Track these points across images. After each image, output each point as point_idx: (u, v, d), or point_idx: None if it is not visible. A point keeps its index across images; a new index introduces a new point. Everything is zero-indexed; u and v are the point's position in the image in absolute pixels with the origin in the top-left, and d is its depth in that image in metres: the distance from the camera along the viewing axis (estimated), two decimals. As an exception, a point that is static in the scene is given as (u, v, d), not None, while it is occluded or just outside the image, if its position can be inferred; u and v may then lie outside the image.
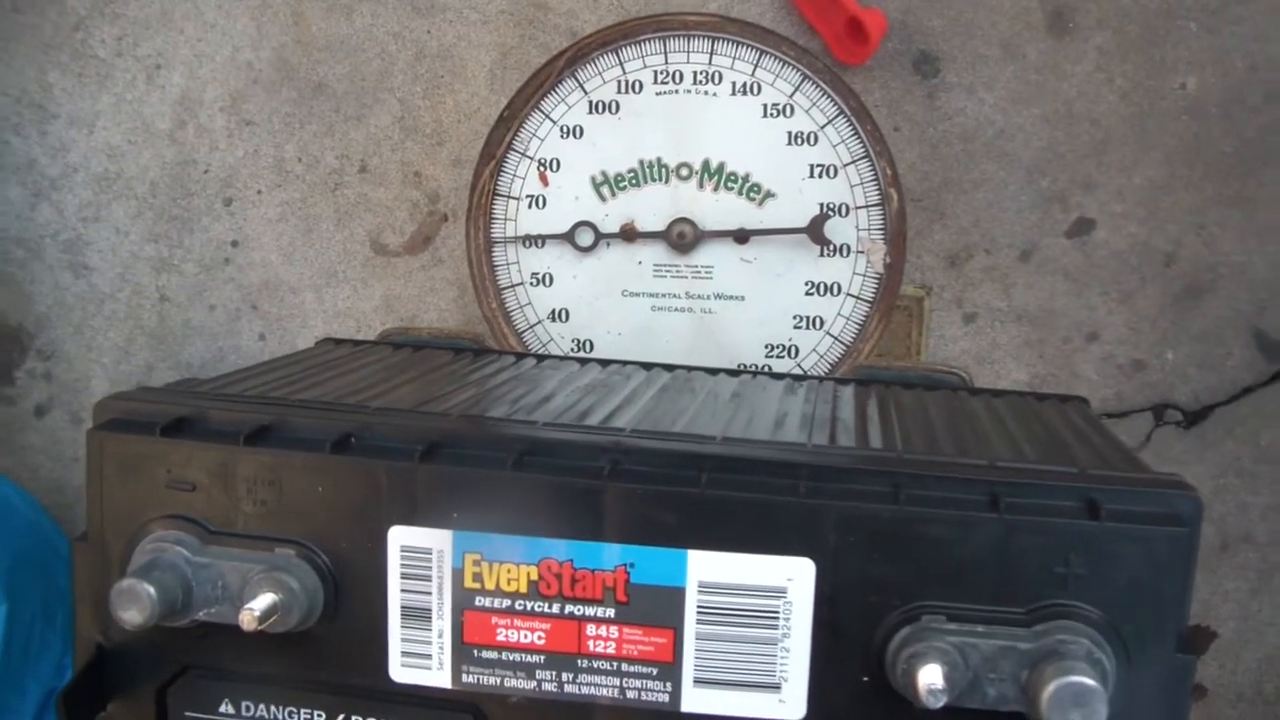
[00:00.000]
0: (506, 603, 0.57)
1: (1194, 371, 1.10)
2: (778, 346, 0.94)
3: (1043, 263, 1.10)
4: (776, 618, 0.55)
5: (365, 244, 1.20)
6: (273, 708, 0.60)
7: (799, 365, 0.94)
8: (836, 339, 0.93)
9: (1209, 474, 1.12)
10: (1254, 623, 1.14)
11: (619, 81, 0.95)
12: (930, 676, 0.51)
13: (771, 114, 0.93)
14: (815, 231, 0.92)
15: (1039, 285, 1.10)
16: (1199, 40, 1.05)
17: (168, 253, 1.23)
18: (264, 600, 0.55)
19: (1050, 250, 1.10)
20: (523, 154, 0.96)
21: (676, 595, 0.55)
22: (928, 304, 1.08)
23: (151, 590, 0.55)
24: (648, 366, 0.81)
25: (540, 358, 0.83)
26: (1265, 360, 1.09)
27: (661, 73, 0.94)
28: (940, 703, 0.51)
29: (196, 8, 1.18)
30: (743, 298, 0.95)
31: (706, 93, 0.94)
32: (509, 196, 0.97)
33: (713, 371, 0.81)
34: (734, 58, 0.93)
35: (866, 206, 0.92)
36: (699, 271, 0.95)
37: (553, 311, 0.97)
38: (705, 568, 0.55)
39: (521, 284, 0.97)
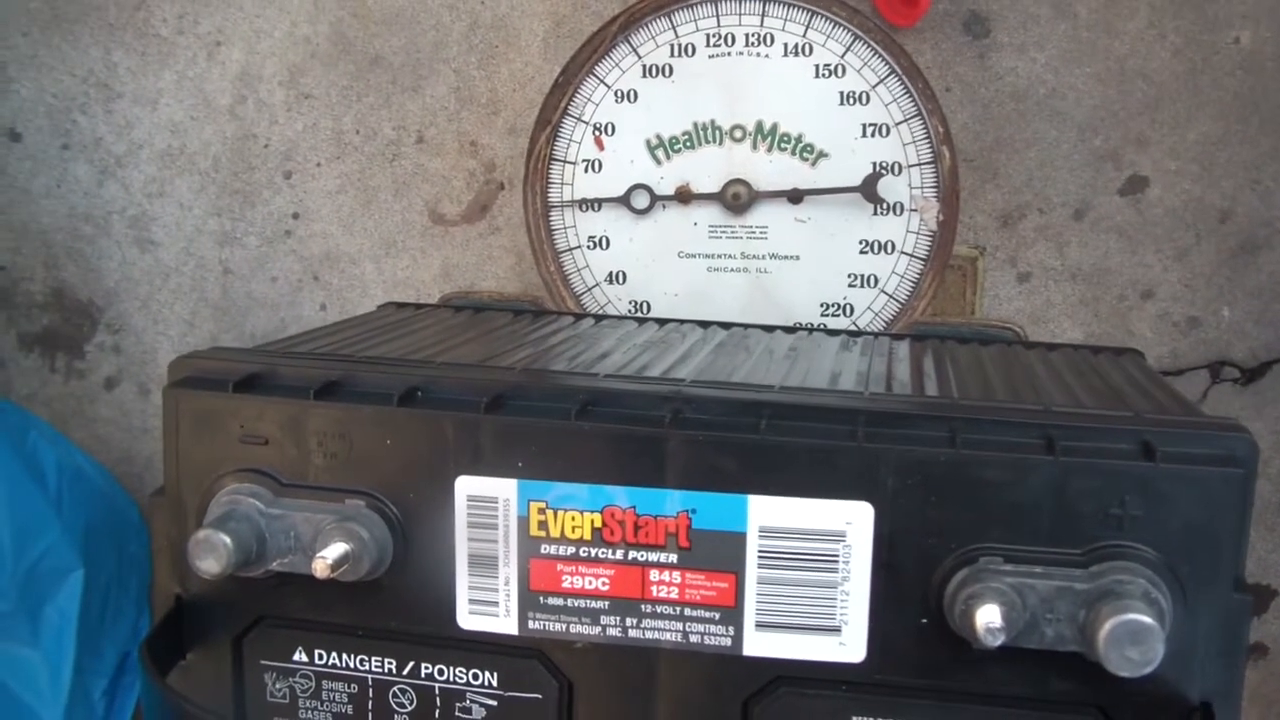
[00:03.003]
0: (571, 550, 0.58)
1: (1251, 328, 1.10)
2: (833, 305, 0.95)
3: (1096, 221, 1.10)
4: (836, 561, 0.56)
5: (423, 214, 1.21)
6: (344, 655, 0.62)
7: (854, 323, 0.95)
8: (891, 297, 0.94)
9: (1267, 430, 1.12)
10: (1314, 578, 1.14)
11: (672, 45, 0.96)
12: (988, 616, 0.52)
13: (823, 74, 0.93)
14: (869, 190, 0.93)
15: (1093, 244, 1.10)
16: (1253, -7, 1.05)
17: (230, 226, 1.25)
18: (336, 549, 0.57)
19: (1104, 208, 1.10)
20: (578, 119, 0.97)
21: (738, 540, 0.57)
22: (981, 264, 1.08)
23: (227, 540, 0.56)
24: (704, 325, 0.82)
25: (598, 318, 0.85)
26: (1323, 316, 1.09)
27: (714, 35, 0.95)
28: (998, 641, 0.52)
29: (254, -16, 1.20)
30: (798, 257, 0.95)
31: (759, 54, 0.94)
32: (565, 161, 0.98)
33: (769, 329, 0.82)
34: (785, 19, 0.93)
35: (919, 164, 0.92)
36: (754, 232, 0.96)
37: (610, 274, 0.98)
38: (766, 513, 0.56)
39: (579, 247, 0.99)
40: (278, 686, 0.63)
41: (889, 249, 0.94)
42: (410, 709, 0.62)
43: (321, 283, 1.24)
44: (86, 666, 1.14)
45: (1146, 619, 0.50)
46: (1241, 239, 1.08)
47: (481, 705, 0.61)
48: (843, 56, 0.93)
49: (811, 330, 0.82)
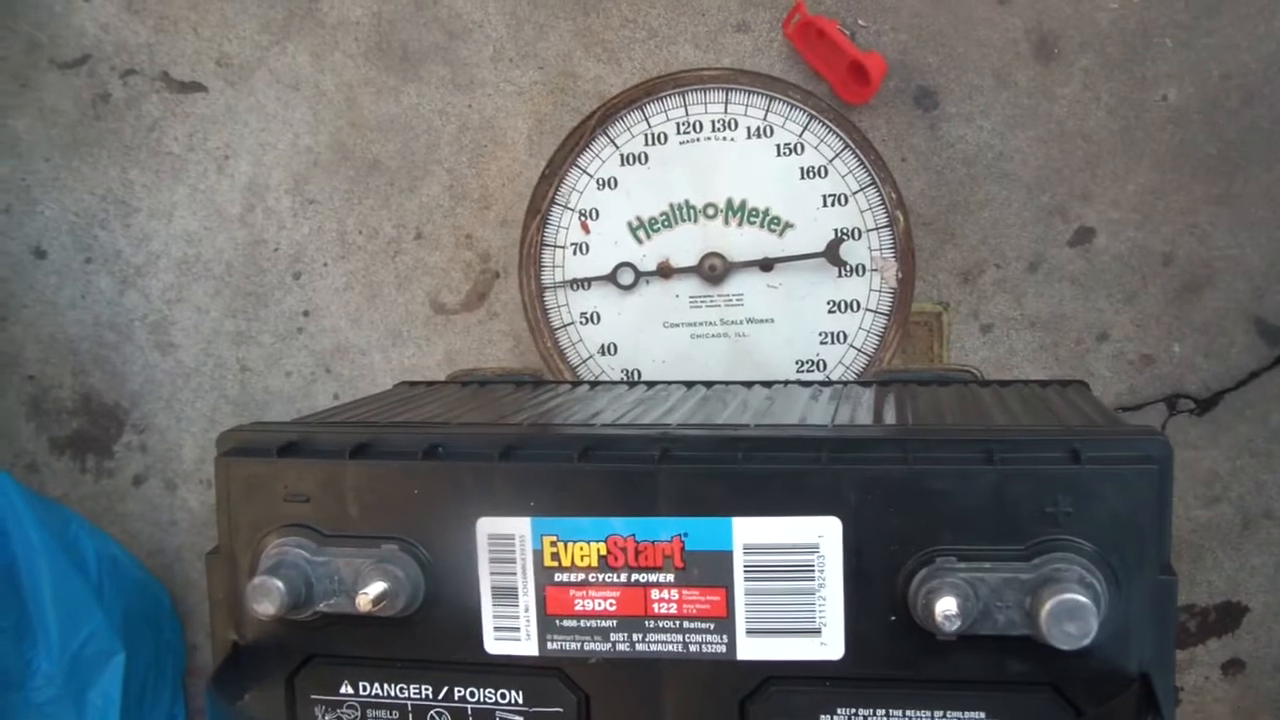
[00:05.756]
0: (581, 576, 0.65)
1: (1201, 361, 1.18)
2: (807, 362, 1.03)
3: (1050, 272, 1.19)
4: (812, 571, 0.63)
5: (425, 305, 1.30)
6: (386, 685, 0.69)
7: (827, 377, 1.03)
8: (860, 350, 1.02)
9: (1224, 457, 1.19)
10: (1280, 593, 1.21)
11: (646, 134, 1.04)
12: (945, 606, 0.59)
13: (784, 153, 1.02)
14: (832, 255, 1.01)
15: (1048, 293, 1.19)
16: (1175, 55, 1.14)
17: (245, 326, 1.33)
18: (377, 586, 0.64)
19: (1056, 259, 1.18)
20: (564, 207, 1.06)
21: (726, 558, 0.64)
22: (946, 318, 1.17)
23: (280, 585, 0.64)
24: (689, 384, 0.90)
25: (592, 384, 0.93)
26: (1266, 345, 1.17)
27: (683, 123, 1.04)
28: (954, 627, 0.59)
29: (259, 101, 1.29)
30: (772, 320, 1.04)
31: (725, 138, 1.03)
32: (555, 246, 1.06)
33: (747, 384, 0.90)
34: (747, 105, 1.02)
35: (876, 229, 1.01)
36: (730, 300, 1.04)
37: (602, 346, 1.07)
38: (748, 532, 0.63)
39: (572, 323, 1.07)
40: (327, 719, 0.70)
41: (854, 307, 1.02)
42: (447, 730, 0.69)
43: (334, 374, 1.33)
44: (129, 749, 1.20)
45: (1081, 597, 0.58)
46: (1185, 279, 1.17)
47: (510, 722, 0.68)
48: (801, 135, 1.02)
49: (786, 383, 0.90)
